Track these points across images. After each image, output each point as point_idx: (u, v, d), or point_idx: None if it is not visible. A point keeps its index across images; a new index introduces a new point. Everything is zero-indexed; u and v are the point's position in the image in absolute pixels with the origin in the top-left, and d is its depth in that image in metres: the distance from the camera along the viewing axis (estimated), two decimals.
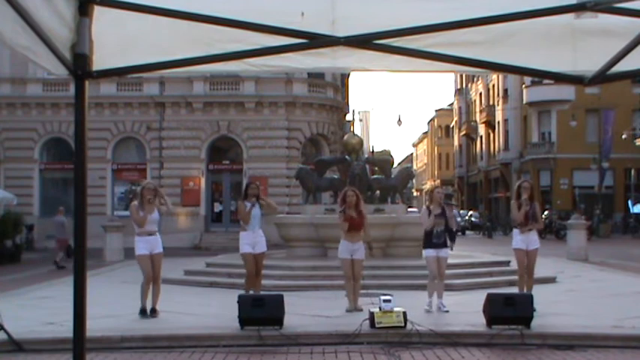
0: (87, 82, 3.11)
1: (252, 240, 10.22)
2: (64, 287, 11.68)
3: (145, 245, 9.70)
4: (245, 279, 10.56)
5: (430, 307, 9.98)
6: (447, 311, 9.88)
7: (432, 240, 10.11)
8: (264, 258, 10.56)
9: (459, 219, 44.57)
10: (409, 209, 23.33)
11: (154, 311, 9.70)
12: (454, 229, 10.29)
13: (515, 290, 10.15)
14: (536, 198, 10.75)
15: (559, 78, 3.48)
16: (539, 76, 3.46)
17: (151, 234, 9.74)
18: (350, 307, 9.93)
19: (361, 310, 9.14)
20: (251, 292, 10.20)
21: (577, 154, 43.97)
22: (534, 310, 9.66)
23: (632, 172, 44.01)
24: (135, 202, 9.89)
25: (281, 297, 8.72)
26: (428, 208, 10.25)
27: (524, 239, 10.14)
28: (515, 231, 10.33)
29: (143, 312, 9.63)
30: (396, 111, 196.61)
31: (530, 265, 10.20)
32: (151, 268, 9.69)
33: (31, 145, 34.12)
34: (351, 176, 16.63)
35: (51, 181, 35.06)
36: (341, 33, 3.03)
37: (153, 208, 9.77)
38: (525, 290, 9.90)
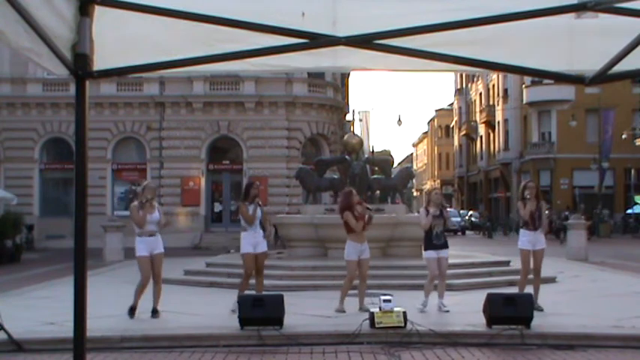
0: (87, 82, 3.12)
1: (253, 240, 10.19)
2: (64, 287, 11.68)
3: (145, 246, 9.67)
4: (241, 280, 10.49)
5: (424, 307, 9.91)
6: (448, 311, 9.88)
7: (432, 241, 10.13)
8: (265, 258, 10.55)
9: (458, 219, 44.69)
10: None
11: (155, 312, 9.67)
12: (450, 228, 10.35)
13: (515, 290, 10.14)
14: (541, 198, 10.74)
15: (559, 78, 3.48)
16: (539, 76, 3.46)
17: (151, 234, 9.72)
18: (340, 308, 9.93)
19: (367, 310, 9.12)
20: (253, 292, 10.17)
21: (577, 154, 44.00)
22: (541, 310, 9.69)
23: (632, 172, 44.04)
24: (135, 203, 9.87)
25: (281, 297, 8.72)
26: (426, 209, 10.28)
27: (530, 240, 10.14)
28: (522, 231, 10.33)
29: (132, 310, 9.58)
30: (396, 111, 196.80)
31: (537, 265, 10.20)
32: (150, 270, 9.65)
33: (31, 145, 34.13)
34: (351, 176, 16.63)
35: (51, 181, 35.07)
36: (342, 33, 3.03)
37: (153, 209, 9.75)
38: (533, 291, 9.83)
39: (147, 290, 9.79)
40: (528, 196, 10.16)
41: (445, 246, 10.21)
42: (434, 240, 10.12)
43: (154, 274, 9.72)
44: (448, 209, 10.47)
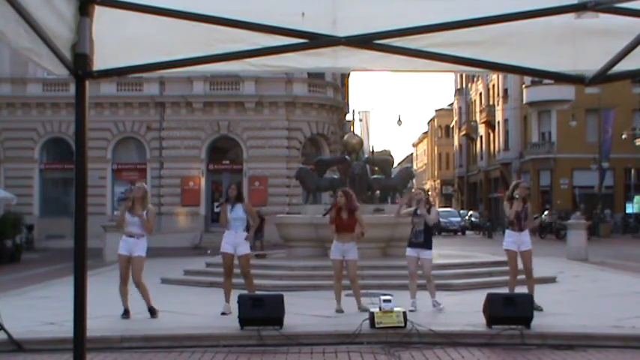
0: (87, 82, 3.12)
1: (233, 240, 10.09)
2: (64, 287, 11.67)
3: (123, 245, 9.73)
4: (223, 279, 10.40)
5: (413, 307, 9.76)
6: (442, 307, 9.89)
7: (410, 239, 10.15)
8: (248, 260, 10.35)
9: (458, 219, 44.65)
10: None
11: (152, 311, 9.66)
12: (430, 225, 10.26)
13: (515, 290, 10.12)
14: (531, 201, 10.70)
15: (559, 78, 3.48)
16: (539, 76, 3.46)
17: (130, 235, 9.69)
18: (338, 308, 9.91)
19: (367, 310, 9.11)
20: (249, 292, 10.12)
21: (577, 154, 43.98)
22: (541, 310, 9.67)
23: (632, 172, 44.04)
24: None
25: (281, 297, 8.72)
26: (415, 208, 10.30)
27: (515, 240, 10.11)
28: (507, 232, 10.34)
29: (124, 313, 9.58)
30: (396, 111, 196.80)
31: (526, 266, 10.15)
32: (124, 269, 9.67)
33: (31, 145, 34.12)
34: (351, 176, 16.63)
35: (51, 181, 35.07)
36: (342, 33, 3.03)
37: (138, 210, 9.70)
38: (528, 291, 9.82)
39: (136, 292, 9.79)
40: (517, 196, 10.13)
41: (425, 246, 10.11)
42: (412, 238, 10.15)
43: (133, 278, 9.69)
44: (433, 209, 10.37)
